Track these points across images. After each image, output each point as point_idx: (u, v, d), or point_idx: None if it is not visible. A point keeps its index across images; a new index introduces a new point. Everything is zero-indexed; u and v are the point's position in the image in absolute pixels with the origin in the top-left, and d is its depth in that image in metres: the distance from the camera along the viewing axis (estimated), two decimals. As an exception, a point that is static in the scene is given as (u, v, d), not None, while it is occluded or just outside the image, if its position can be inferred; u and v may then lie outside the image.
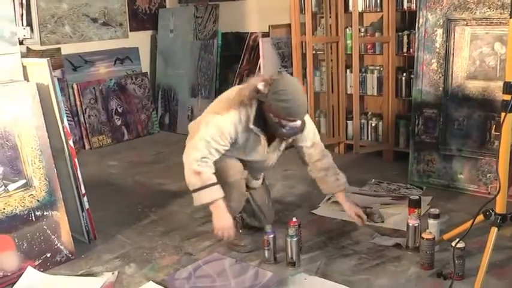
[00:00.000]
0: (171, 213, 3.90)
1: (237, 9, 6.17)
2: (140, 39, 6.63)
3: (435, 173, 4.21)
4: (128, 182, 4.69)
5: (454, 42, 4.03)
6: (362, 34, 4.95)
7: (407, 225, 3.14)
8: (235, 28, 6.16)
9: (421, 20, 4.15)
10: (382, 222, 3.56)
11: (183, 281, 2.92)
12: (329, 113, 5.23)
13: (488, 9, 3.83)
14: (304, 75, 5.26)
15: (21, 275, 2.99)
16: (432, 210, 3.17)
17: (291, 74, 5.34)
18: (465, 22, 3.96)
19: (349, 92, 5.13)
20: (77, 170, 3.34)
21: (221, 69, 6.15)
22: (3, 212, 2.96)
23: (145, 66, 6.68)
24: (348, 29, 5.03)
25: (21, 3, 5.47)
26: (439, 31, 4.06)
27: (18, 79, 3.21)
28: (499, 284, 2.74)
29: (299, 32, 5.19)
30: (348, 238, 3.37)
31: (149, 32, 6.74)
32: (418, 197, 3.28)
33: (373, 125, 5.14)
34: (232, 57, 6.02)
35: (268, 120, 2.99)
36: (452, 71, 4.06)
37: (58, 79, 5.13)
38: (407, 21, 4.85)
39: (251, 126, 3.00)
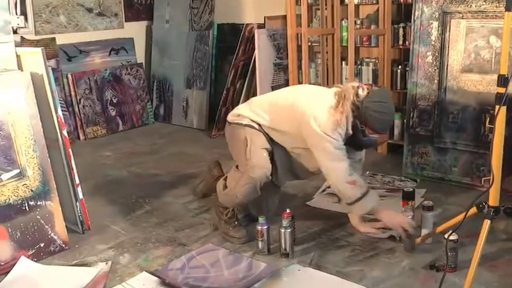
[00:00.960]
0: (165, 204, 3.90)
1: (233, 0, 6.16)
2: (135, 30, 6.60)
3: (429, 165, 4.21)
4: (122, 173, 4.68)
5: (449, 35, 4.03)
6: (358, 26, 4.94)
7: (401, 217, 3.15)
8: (230, 19, 6.14)
9: (416, 13, 4.15)
10: (376, 214, 3.57)
11: (176, 272, 2.92)
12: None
13: (484, 2, 3.83)
14: (300, 67, 5.26)
15: (14, 264, 2.99)
16: (426, 202, 3.18)
17: (286, 66, 5.36)
18: (461, 15, 3.96)
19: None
20: (70, 160, 3.33)
21: (216, 61, 6.14)
22: (-3, 202, 2.95)
23: (140, 56, 6.66)
24: (343, 21, 5.02)
25: (16, -8, 5.44)
26: (435, 24, 4.06)
27: (12, 68, 3.20)
28: (492, 276, 2.75)
29: (295, 24, 5.19)
30: (341, 230, 3.38)
31: (144, 23, 6.71)
32: (411, 190, 3.29)
33: (368, 117, 5.13)
34: (228, 48, 6.01)
35: (353, 126, 3.00)
36: (447, 64, 4.06)
37: (53, 69, 5.11)
38: (403, 13, 4.84)
39: (350, 131, 3.01)
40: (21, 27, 5.52)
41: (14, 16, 5.35)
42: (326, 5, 5.00)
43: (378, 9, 4.82)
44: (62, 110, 3.36)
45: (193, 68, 6.23)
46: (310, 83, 5.18)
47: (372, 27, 4.92)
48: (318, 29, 5.18)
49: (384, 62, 4.83)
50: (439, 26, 4.04)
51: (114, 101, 6.21)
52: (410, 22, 4.28)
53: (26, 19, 5.56)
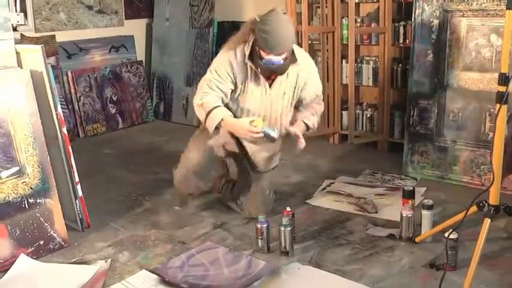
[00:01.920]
0: (165, 202, 3.89)
1: (233, -2, 6.15)
2: (136, 27, 6.58)
3: (429, 164, 4.21)
4: (122, 171, 4.67)
5: (450, 33, 4.02)
6: (358, 24, 4.93)
7: (401, 215, 3.15)
8: (231, 17, 6.12)
9: (417, 11, 4.14)
10: (376, 212, 3.58)
11: (176, 270, 2.92)
12: (324, 102, 5.20)
13: (485, 1, 3.82)
14: (300, 65, 5.24)
15: (13, 262, 2.98)
16: (426, 201, 3.17)
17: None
18: (461, 13, 3.95)
19: (344, 82, 5.12)
20: (70, 158, 3.32)
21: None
22: (-4, 199, 2.95)
23: (140, 54, 6.65)
24: (344, 19, 5.00)
25: (15, -11, 5.42)
26: (435, 22, 4.05)
27: (11, 65, 3.19)
28: (491, 275, 2.75)
29: (295, 22, 5.17)
30: (341, 228, 3.38)
31: (145, 20, 6.70)
32: (411, 188, 3.28)
33: (368, 115, 5.14)
34: (228, 46, 5.98)
35: (254, 49, 3.04)
36: (448, 62, 4.05)
37: (52, 66, 5.09)
38: (404, 11, 4.83)
39: (246, 61, 3.06)
40: (21, 25, 5.50)
41: (13, 13, 5.33)
42: (326, 3, 4.98)
43: (378, 7, 4.81)
44: (62, 108, 3.36)
45: (193, 66, 6.22)
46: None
47: (373, 25, 4.91)
48: (319, 27, 5.16)
49: (384, 60, 4.82)
50: (439, 25, 4.03)
51: (114, 98, 6.20)
52: (411, 20, 4.27)
53: (25, 16, 5.54)
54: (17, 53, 3.26)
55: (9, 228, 3.00)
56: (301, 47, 4.96)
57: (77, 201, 3.39)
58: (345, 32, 5.00)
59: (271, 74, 3.14)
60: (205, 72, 3.21)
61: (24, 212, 3.06)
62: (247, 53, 3.06)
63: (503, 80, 2.52)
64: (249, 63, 3.08)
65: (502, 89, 2.52)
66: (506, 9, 2.50)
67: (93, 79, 6.04)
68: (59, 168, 3.32)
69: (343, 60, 5.10)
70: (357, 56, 5.08)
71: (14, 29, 4.60)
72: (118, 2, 6.34)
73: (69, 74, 5.84)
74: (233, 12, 6.11)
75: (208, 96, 3.13)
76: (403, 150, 4.36)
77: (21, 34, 5.40)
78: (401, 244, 3.12)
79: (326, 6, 4.99)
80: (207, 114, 3.11)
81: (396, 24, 4.78)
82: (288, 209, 3.12)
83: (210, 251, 3.11)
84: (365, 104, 5.23)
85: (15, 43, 3.28)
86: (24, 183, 3.06)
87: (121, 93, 6.26)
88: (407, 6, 4.67)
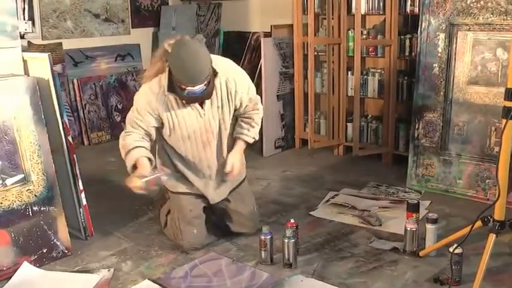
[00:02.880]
0: (168, 212, 3.88)
1: (240, 9, 6.16)
2: (142, 36, 6.61)
3: (434, 177, 4.20)
4: (126, 179, 4.66)
5: (456, 47, 4.02)
6: (364, 36, 4.93)
7: (405, 229, 3.14)
8: (237, 27, 6.15)
9: (423, 24, 4.14)
10: (380, 225, 3.56)
11: (179, 280, 2.91)
12: (329, 114, 5.22)
13: (491, 15, 3.82)
14: (306, 76, 5.26)
15: (16, 270, 2.98)
16: (430, 215, 3.16)
17: (292, 75, 5.35)
18: (468, 27, 3.95)
19: (349, 94, 5.12)
20: (75, 166, 3.33)
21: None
22: (1, 207, 2.95)
23: (146, 63, 6.66)
24: (350, 31, 5.01)
25: (24, -3, 5.46)
26: (442, 35, 4.05)
27: (18, 73, 3.20)
28: (496, 291, 2.74)
29: (301, 33, 5.20)
30: (345, 241, 3.36)
31: (151, 29, 6.73)
32: (416, 201, 3.27)
33: (373, 127, 5.13)
34: (234, 56, 5.94)
35: (173, 80, 2.91)
36: (453, 76, 4.05)
37: (58, 74, 5.12)
38: (410, 24, 4.83)
39: (166, 93, 2.95)
40: (29, 32, 5.54)
41: (21, 21, 5.37)
42: (333, 14, 4.99)
43: (384, 20, 4.81)
44: (67, 115, 3.36)
45: (198, 75, 6.22)
46: (315, 92, 5.18)
47: (379, 37, 4.92)
48: (325, 38, 5.17)
49: (389, 73, 4.82)
50: (445, 38, 4.03)
51: (119, 106, 6.21)
52: (417, 33, 4.27)
53: (33, 24, 5.58)
54: (24, 61, 3.27)
55: (12, 235, 3.00)
56: (307, 58, 4.99)
57: (80, 209, 3.39)
58: (351, 43, 5.01)
59: (197, 101, 3.01)
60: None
61: (28, 219, 3.06)
62: (165, 85, 2.94)
63: (510, 95, 2.51)
64: (171, 95, 2.97)
65: (509, 104, 2.50)
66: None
67: (99, 87, 6.06)
68: (64, 176, 3.32)
69: (349, 72, 5.10)
70: (363, 68, 5.08)
71: (22, 37, 4.63)
72: (125, 10, 6.37)
73: (75, 81, 5.86)
74: (239, 22, 6.13)
75: (130, 135, 3.08)
76: (407, 163, 4.35)
77: (28, 41, 5.43)
78: (406, 258, 3.10)
79: (332, 18, 5.00)
80: (126, 154, 3.07)
81: (402, 36, 4.78)
82: (292, 220, 3.11)
83: (213, 262, 3.10)
84: (370, 116, 5.23)
85: (22, 50, 3.30)
86: (29, 191, 3.06)
87: (126, 101, 6.26)
88: (414, 19, 4.67)
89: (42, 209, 3.11)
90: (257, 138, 3.33)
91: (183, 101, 2.98)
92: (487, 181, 3.95)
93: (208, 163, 3.21)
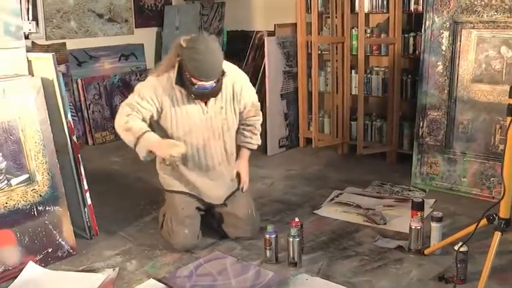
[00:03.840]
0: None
1: (243, 8, 6.16)
2: (145, 36, 6.62)
3: (438, 175, 4.19)
4: (130, 179, 4.68)
5: (460, 45, 4.02)
6: (368, 35, 4.93)
7: (410, 227, 3.14)
8: (240, 26, 6.15)
9: (427, 22, 4.13)
10: (385, 224, 3.56)
11: (184, 279, 2.91)
12: (333, 113, 5.22)
13: (496, 13, 3.81)
14: (309, 75, 5.26)
15: (22, 269, 2.99)
16: (435, 213, 3.16)
17: (296, 74, 5.35)
18: (472, 25, 3.94)
19: (353, 93, 5.12)
20: (80, 166, 3.34)
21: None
22: (6, 207, 2.96)
23: (150, 63, 6.67)
24: (353, 30, 5.01)
25: (27, -3, 5.47)
26: (446, 33, 4.04)
27: (23, 73, 3.21)
28: (501, 289, 2.73)
29: (305, 32, 5.20)
30: (350, 239, 3.36)
31: (154, 29, 6.74)
32: (421, 200, 3.27)
33: (377, 126, 5.13)
34: (237, 55, 6.00)
35: (182, 75, 2.97)
36: (457, 74, 4.05)
37: (62, 74, 5.12)
38: (414, 23, 4.83)
39: (174, 85, 3.00)
40: (33, 32, 5.55)
41: (26, 21, 5.38)
42: (336, 13, 4.99)
43: (388, 18, 4.81)
44: (72, 115, 3.36)
45: (202, 75, 6.22)
46: (319, 91, 5.18)
47: (382, 36, 4.91)
48: (328, 37, 5.17)
49: (393, 71, 4.82)
50: (449, 36, 4.03)
51: (123, 106, 6.21)
52: (421, 31, 4.26)
53: (37, 24, 5.59)
54: (29, 61, 3.28)
55: (18, 235, 3.00)
56: (311, 57, 4.99)
57: (85, 209, 3.39)
58: (354, 42, 5.00)
59: (205, 96, 3.06)
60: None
61: (33, 219, 3.06)
62: (174, 78, 2.99)
63: (514, 93, 2.50)
64: (178, 88, 3.01)
65: (513, 101, 2.50)
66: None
67: (103, 87, 6.06)
68: (68, 175, 3.33)
69: (353, 71, 5.10)
70: (366, 66, 5.08)
71: (26, 37, 4.64)
72: (128, 10, 6.38)
73: (79, 81, 5.87)
74: (243, 21, 6.13)
75: (134, 119, 3.05)
76: (411, 162, 4.35)
77: (32, 42, 5.44)
78: (410, 256, 3.10)
79: (336, 17, 5.00)
80: (138, 139, 3.03)
81: (406, 35, 4.78)
82: (297, 219, 3.11)
83: (218, 261, 3.10)
84: (374, 114, 5.22)
85: (26, 50, 3.30)
86: (34, 191, 3.07)
87: (130, 101, 6.27)
88: (417, 17, 4.67)
89: (47, 208, 3.12)
90: (260, 143, 3.44)
91: (191, 95, 3.03)
92: (491, 179, 3.94)
93: (207, 162, 3.23)
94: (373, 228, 3.50)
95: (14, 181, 3.01)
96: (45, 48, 5.46)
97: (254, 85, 5.37)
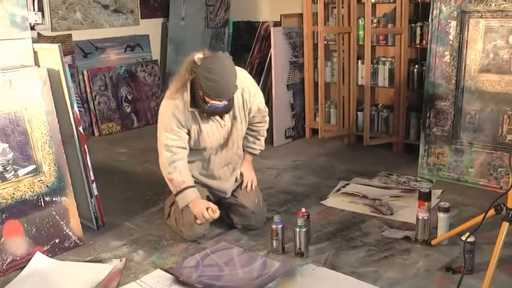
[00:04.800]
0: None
1: (249, -2, 6.15)
2: (151, 27, 6.61)
3: (445, 166, 4.18)
4: (136, 170, 4.69)
5: (467, 34, 3.99)
6: (374, 25, 4.90)
7: (417, 218, 3.13)
8: (246, 17, 6.12)
9: (434, 12, 4.10)
10: (391, 214, 3.55)
11: (190, 270, 2.92)
12: (339, 104, 5.20)
13: (504, 2, 3.78)
14: (316, 66, 5.24)
15: (29, 259, 3.00)
16: (442, 203, 3.15)
17: (302, 64, 5.33)
18: (480, 14, 3.92)
19: (360, 83, 5.10)
20: (86, 156, 3.34)
21: (232, 58, 6.11)
22: (13, 197, 2.97)
23: (155, 53, 6.67)
24: (360, 20, 4.98)
25: (33, -12, 5.47)
26: (453, 23, 4.02)
27: (29, 64, 3.20)
28: (509, 280, 2.72)
29: (311, 22, 5.17)
30: (356, 230, 3.36)
31: (160, 20, 6.72)
32: (428, 190, 3.26)
33: (383, 116, 5.11)
34: (243, 46, 5.99)
35: (195, 93, 2.96)
36: (465, 64, 4.02)
37: (68, 65, 5.12)
38: (421, 12, 4.80)
39: (189, 109, 3.01)
40: (39, 24, 5.54)
41: (31, 12, 5.38)
42: (343, 3, 4.95)
43: (395, 8, 4.77)
44: (78, 107, 3.36)
45: (208, 66, 6.22)
46: (325, 82, 5.15)
47: (389, 26, 4.88)
48: (335, 27, 5.14)
49: (400, 61, 4.79)
50: (457, 26, 4.00)
51: (129, 97, 6.22)
52: (428, 21, 4.24)
53: (42, 15, 5.59)
54: (35, 52, 3.27)
55: (25, 226, 3.01)
56: (317, 48, 4.97)
57: (92, 199, 3.40)
58: (361, 32, 4.98)
59: (217, 114, 3.07)
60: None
61: (40, 210, 3.07)
62: (188, 101, 2.99)
63: (523, 82, 2.48)
64: (194, 110, 3.02)
65: (522, 91, 2.48)
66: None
67: (109, 78, 6.06)
68: (75, 166, 3.33)
69: (359, 61, 5.07)
70: (373, 56, 5.05)
71: (32, 28, 4.64)
72: (134, 1, 6.37)
73: (85, 72, 5.87)
74: (249, 12, 6.11)
75: (177, 168, 3.08)
76: (418, 152, 4.33)
77: (38, 33, 5.44)
78: (417, 247, 3.10)
79: (342, 7, 4.97)
80: (178, 192, 3.10)
81: (413, 25, 4.75)
82: (303, 210, 3.11)
83: (224, 251, 3.10)
84: (381, 105, 5.20)
85: (32, 42, 3.30)
86: (41, 182, 3.07)
87: (136, 92, 6.28)
88: (424, 6, 4.64)
89: (54, 199, 3.13)
90: (263, 148, 3.49)
91: (203, 114, 3.05)
92: (499, 170, 3.92)
93: (220, 164, 3.32)
94: (380, 219, 3.50)
95: (21, 172, 3.01)
96: (51, 40, 5.45)
97: (260, 76, 5.43)
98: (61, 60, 3.20)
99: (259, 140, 3.43)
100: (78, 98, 5.67)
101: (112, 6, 6.17)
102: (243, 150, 3.41)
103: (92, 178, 3.39)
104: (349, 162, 4.70)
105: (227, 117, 3.13)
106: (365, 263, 2.95)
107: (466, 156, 4.07)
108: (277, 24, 5.52)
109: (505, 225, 2.56)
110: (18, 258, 2.98)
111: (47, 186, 3.10)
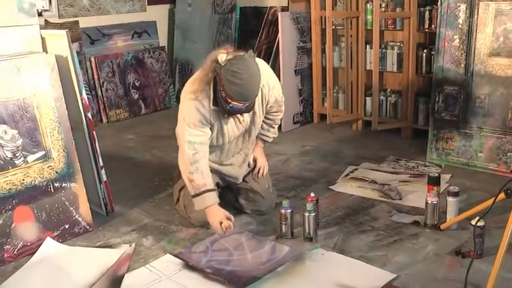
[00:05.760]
0: (188, 187, 3.89)
1: (256, -17, 6.11)
2: (158, 13, 6.59)
3: (454, 151, 4.16)
4: (145, 156, 4.70)
5: (477, 18, 3.95)
6: (383, 9, 4.86)
7: (426, 202, 3.12)
8: (253, 2, 6.09)
9: (443, -5, 4.07)
10: (400, 199, 3.54)
11: (200, 254, 2.93)
12: (347, 89, 5.18)
13: (514, -16, 3.74)
14: (324, 51, 5.21)
15: (40, 245, 3.02)
16: (451, 188, 3.13)
17: (310, 49, 5.31)
18: (490, -3, 3.88)
19: (368, 68, 5.07)
20: (95, 142, 3.34)
21: (239, 44, 6.10)
22: (23, 183, 2.98)
23: (163, 40, 6.65)
24: (368, 4, 4.95)
25: (40, -25, 5.45)
26: (462, 6, 3.98)
27: (37, 50, 3.20)
28: (519, 263, 2.71)
29: (319, 7, 5.14)
30: (365, 214, 3.36)
31: (167, 6, 6.70)
32: (437, 174, 3.25)
33: (392, 101, 5.08)
34: (251, 31, 5.97)
35: (217, 92, 2.92)
36: (474, 48, 3.99)
37: (76, 52, 5.13)
38: (430, -4, 4.76)
39: (212, 108, 2.97)
40: (46, 10, 5.54)
41: (39, -2, 5.37)
42: (350, -13, 4.93)
43: (403, -8, 4.74)
44: (86, 93, 3.36)
45: (215, 52, 6.20)
46: (333, 67, 5.13)
47: (397, 10, 4.84)
48: (342, 12, 5.11)
49: (409, 46, 4.76)
50: (466, 9, 3.96)
51: (137, 84, 6.22)
52: (437, 5, 4.20)
53: (50, 2, 5.58)
54: (42, 38, 3.27)
55: (35, 211, 3.03)
56: (325, 33, 4.95)
57: (101, 185, 3.41)
58: (369, 17, 4.94)
59: (237, 114, 3.04)
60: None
61: (50, 196, 3.09)
62: (211, 101, 2.95)
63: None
64: (216, 108, 2.98)
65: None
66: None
67: (116, 65, 6.06)
68: (84, 152, 3.34)
69: (367, 46, 5.05)
70: (381, 41, 5.02)
71: (39, 15, 4.63)
72: (141, -13, 6.34)
73: (93, 59, 5.87)
74: (256, -3, 6.08)
75: (199, 168, 3.01)
76: (427, 137, 4.32)
77: (45, 20, 5.44)
78: (426, 231, 3.09)
79: (350, -9, 4.94)
80: (197, 194, 3.03)
81: (422, 8, 4.71)
82: (312, 194, 3.11)
83: (233, 236, 3.11)
84: (389, 90, 5.17)
85: (40, 29, 3.29)
86: (50, 168, 3.09)
87: (143, 78, 6.28)
88: (433, -10, 4.60)
89: (63, 185, 3.14)
90: (276, 136, 3.50)
91: (225, 115, 3.03)
92: (508, 154, 3.90)
93: (233, 152, 3.32)
94: (389, 204, 3.49)
95: (31, 158, 3.02)
96: (58, 27, 5.45)
97: (268, 61, 5.40)
98: (69, 46, 3.19)
99: (273, 128, 3.43)
100: (86, 85, 5.67)
101: (119, -8, 6.16)
102: (256, 136, 3.40)
103: (101, 164, 3.39)
104: (358, 148, 4.69)
105: (246, 113, 3.10)
106: (374, 247, 2.95)
107: (475, 141, 4.05)
108: (284, 9, 5.49)
109: (515, 209, 2.55)
110: (28, 244, 3.00)
111: (56, 172, 3.11)
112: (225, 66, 2.79)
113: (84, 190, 3.24)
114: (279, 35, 5.11)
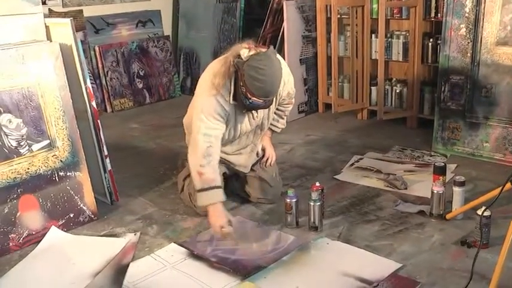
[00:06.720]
0: (192, 177, 3.89)
1: (261, -28, 6.07)
2: (162, 2, 6.57)
3: (460, 140, 4.14)
4: (149, 145, 4.69)
5: (484, 6, 3.91)
6: (389, -2, 4.84)
7: (432, 192, 3.10)
8: (258, -9, 6.07)
9: (450, -16, 4.03)
10: (406, 189, 3.53)
11: (205, 243, 2.93)
12: (353, 78, 5.16)
13: (522, -28, 3.71)
14: (329, 40, 5.19)
15: (45, 234, 3.03)
16: (457, 177, 3.12)
17: (315, 38, 5.28)
18: (497, -15, 3.84)
19: (373, 57, 5.04)
20: (99, 131, 3.34)
21: (244, 33, 6.08)
22: (28, 172, 2.98)
23: (167, 29, 6.63)
24: (374, -7, 4.91)
25: (44, -36, 5.43)
26: (469, -5, 3.95)
27: (41, 39, 3.19)
28: (525, 253, 2.70)
29: (324, -5, 5.10)
30: (371, 204, 3.35)
31: (171, -5, 6.68)
32: (443, 164, 3.23)
33: (397, 91, 5.06)
34: (256, 20, 5.94)
35: (237, 87, 2.89)
36: (481, 37, 3.95)
37: (80, 41, 5.12)
38: (436, -16, 4.72)
39: (231, 102, 2.94)
40: (50, -1, 5.53)
41: (42, -14, 5.35)
42: (356, -24, 4.89)
43: (409, -20, 4.70)
44: (90, 82, 3.35)
45: (220, 41, 6.18)
46: (339, 56, 5.10)
47: (403, -2, 4.82)
48: (348, 0, 5.07)
49: (414, 35, 4.72)
50: (473, -3, 3.93)
51: (141, 73, 6.21)
52: (443, -7, 4.17)
53: (54, -10, 5.57)
54: (46, 27, 3.26)
55: (40, 200, 3.03)
56: (331, 22, 4.91)
57: (106, 174, 3.41)
58: (374, 5, 4.91)
59: (255, 109, 3.02)
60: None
61: (54, 184, 3.09)
62: (231, 96, 2.92)
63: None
64: (235, 104, 2.96)
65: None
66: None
67: (120, 54, 6.05)
68: (88, 141, 3.34)
69: (373, 35, 5.01)
70: (387, 30, 4.98)
71: (43, 3, 4.61)
72: (145, -24, 6.32)
73: (97, 48, 5.86)
74: (261, -14, 6.04)
75: (211, 163, 2.92)
76: (432, 127, 4.30)
77: (49, 9, 5.42)
78: (432, 221, 3.08)
79: (356, -20, 4.90)
80: (204, 189, 2.92)
81: (428, -3, 4.68)
82: (318, 184, 3.10)
83: (239, 225, 3.10)
84: (394, 79, 5.15)
85: (44, 17, 3.28)
86: (55, 157, 3.08)
87: (148, 68, 6.27)
88: (440, -22, 4.56)
89: (68, 174, 3.14)
90: (284, 127, 3.53)
91: (244, 111, 3.02)
92: (515, 144, 3.89)
93: (243, 144, 3.31)
94: (394, 193, 3.48)
95: (35, 147, 3.02)
96: (62, 16, 5.42)
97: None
98: (73, 34, 3.18)
99: (283, 119, 3.45)
100: (90, 74, 5.66)
101: (123, -19, 6.14)
102: (266, 135, 3.43)
103: (106, 153, 3.39)
104: (363, 137, 4.68)
105: (260, 110, 3.09)
106: (379, 236, 2.94)
107: (481, 131, 4.03)
108: (289, -3, 5.45)
109: (522, 198, 2.54)
110: (34, 233, 3.01)
111: (61, 161, 3.11)
112: (248, 61, 2.77)
113: (89, 179, 3.24)
114: (284, 24, 5.09)
